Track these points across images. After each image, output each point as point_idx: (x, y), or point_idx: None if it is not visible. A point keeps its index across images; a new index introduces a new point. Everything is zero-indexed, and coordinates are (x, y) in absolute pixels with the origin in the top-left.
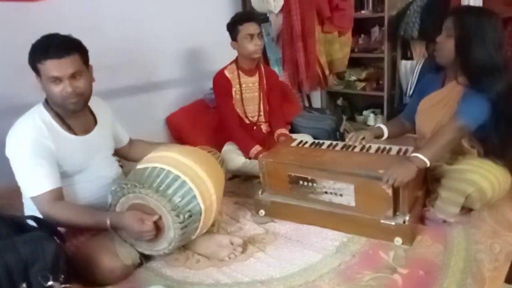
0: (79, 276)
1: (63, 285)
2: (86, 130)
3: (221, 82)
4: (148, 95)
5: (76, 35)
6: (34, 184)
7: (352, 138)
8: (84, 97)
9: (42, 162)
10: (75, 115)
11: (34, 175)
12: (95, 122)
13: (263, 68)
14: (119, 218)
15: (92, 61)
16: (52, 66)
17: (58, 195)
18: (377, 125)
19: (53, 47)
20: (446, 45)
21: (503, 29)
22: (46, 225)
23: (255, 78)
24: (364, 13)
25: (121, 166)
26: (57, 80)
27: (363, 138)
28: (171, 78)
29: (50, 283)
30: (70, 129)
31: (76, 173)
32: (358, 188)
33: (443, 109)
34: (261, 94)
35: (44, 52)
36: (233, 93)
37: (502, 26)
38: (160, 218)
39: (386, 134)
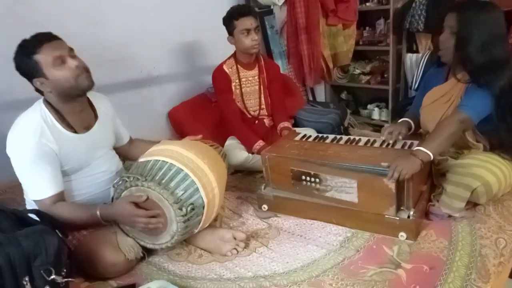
0: (81, 270)
1: (65, 279)
2: (87, 127)
3: (220, 77)
4: (150, 90)
5: (77, 29)
6: (37, 189)
7: (386, 133)
8: (90, 73)
9: (45, 167)
10: (76, 110)
11: (37, 180)
12: (96, 117)
13: (263, 60)
14: (109, 207)
15: (93, 55)
16: (51, 48)
17: (60, 198)
18: (403, 119)
19: (43, 34)
20: (451, 43)
21: (505, 22)
22: (48, 219)
23: (255, 71)
24: (368, 5)
25: (123, 161)
26: (59, 60)
27: (399, 133)
28: (172, 72)
29: (52, 276)
30: (70, 127)
31: (77, 170)
32: (360, 184)
33: (446, 103)
34: (262, 88)
35: (38, 39)
36: (233, 87)
37: (504, 20)
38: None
39: (413, 127)
